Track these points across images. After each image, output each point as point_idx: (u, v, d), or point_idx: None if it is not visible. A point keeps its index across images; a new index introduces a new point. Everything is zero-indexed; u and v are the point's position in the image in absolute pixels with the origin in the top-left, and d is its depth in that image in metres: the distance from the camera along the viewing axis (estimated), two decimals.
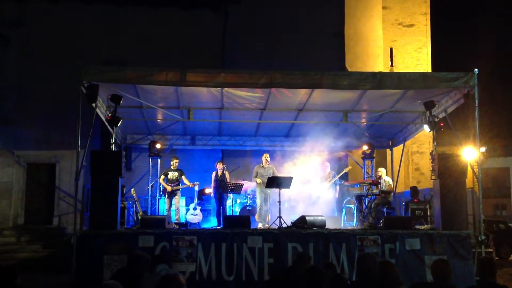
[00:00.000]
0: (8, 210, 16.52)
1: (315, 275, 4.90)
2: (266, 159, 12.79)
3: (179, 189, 13.17)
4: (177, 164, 13.34)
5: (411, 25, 23.03)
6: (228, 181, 12.88)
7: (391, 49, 22.70)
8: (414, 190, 13.06)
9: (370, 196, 12.91)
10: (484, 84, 10.92)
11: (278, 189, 11.41)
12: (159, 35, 17.21)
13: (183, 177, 13.25)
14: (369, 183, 13.48)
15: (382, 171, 13.34)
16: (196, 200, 13.77)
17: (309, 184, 13.56)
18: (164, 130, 14.46)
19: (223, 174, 12.96)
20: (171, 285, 3.90)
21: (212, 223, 13.64)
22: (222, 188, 12.71)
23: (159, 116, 13.31)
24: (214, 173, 13.12)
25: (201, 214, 13.53)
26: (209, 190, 14.61)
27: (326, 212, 12.54)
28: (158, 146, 14.54)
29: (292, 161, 13.97)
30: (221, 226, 11.04)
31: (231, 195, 13.42)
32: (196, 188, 13.72)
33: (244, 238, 9.37)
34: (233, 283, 9.18)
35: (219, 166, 13.02)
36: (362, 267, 4.85)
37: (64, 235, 15.34)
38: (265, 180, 12.14)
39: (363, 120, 13.44)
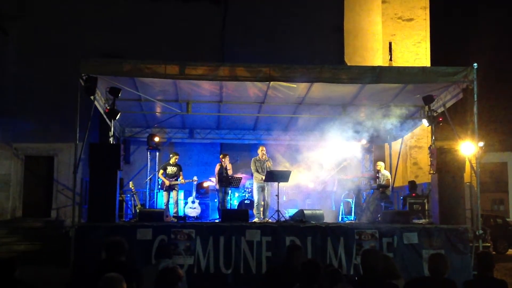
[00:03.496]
0: (6, 203, 16.52)
1: (312, 268, 4.92)
2: (263, 152, 12.66)
3: (177, 184, 13.16)
4: (176, 160, 13.31)
5: (411, 19, 22.99)
6: (230, 174, 12.83)
7: (390, 43, 22.67)
8: (412, 184, 13.07)
9: (368, 190, 12.92)
10: (483, 79, 10.92)
11: (277, 183, 11.41)
12: (158, 28, 17.16)
13: (180, 173, 13.23)
14: (367, 177, 13.51)
15: (381, 165, 13.34)
16: (194, 194, 13.77)
17: (307, 178, 13.56)
18: (162, 123, 14.45)
19: (227, 167, 12.92)
20: (170, 278, 3.91)
21: (215, 216, 13.63)
22: (226, 181, 12.67)
23: (158, 109, 13.28)
24: (218, 166, 13.01)
25: (199, 208, 13.53)
26: (207, 184, 14.59)
27: (324, 206, 12.57)
28: (156, 139, 14.46)
29: (290, 155, 13.98)
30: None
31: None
32: (195, 182, 13.71)
33: (242, 231, 9.39)
34: (231, 276, 9.21)
35: (225, 159, 12.93)
36: (365, 263, 4.86)
37: (62, 228, 15.32)
38: (262, 173, 12.12)
39: (362, 114, 13.42)
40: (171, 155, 13.43)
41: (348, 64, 18.55)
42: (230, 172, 12.83)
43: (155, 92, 11.59)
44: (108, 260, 5.40)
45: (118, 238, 5.81)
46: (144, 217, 10.00)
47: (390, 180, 13.32)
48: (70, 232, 9.27)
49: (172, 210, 12.93)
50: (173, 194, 13.07)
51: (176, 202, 13.14)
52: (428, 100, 11.11)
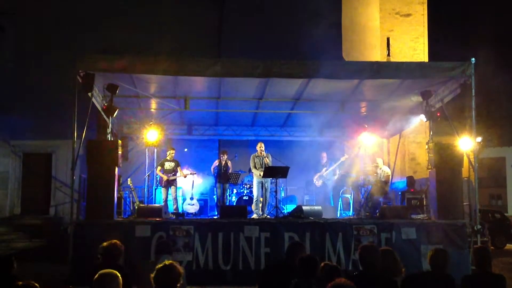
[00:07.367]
0: (5, 200, 16.51)
1: (310, 263, 4.92)
2: (261, 148, 12.61)
3: (175, 179, 13.14)
4: (173, 154, 13.29)
5: (408, 15, 22.90)
6: (231, 171, 12.82)
7: (388, 39, 22.57)
8: (410, 180, 13.08)
9: (366, 186, 12.93)
10: (480, 74, 10.89)
11: (275, 178, 11.40)
12: (155, 23, 17.11)
13: (178, 168, 13.22)
14: (366, 173, 13.52)
15: (379, 161, 13.35)
16: (192, 190, 13.75)
17: (306, 174, 13.56)
18: (160, 119, 14.41)
19: (226, 164, 12.91)
20: (169, 275, 3.89)
21: (213, 213, 13.61)
22: (224, 178, 12.64)
23: (156, 106, 13.25)
24: (216, 162, 12.99)
25: (197, 204, 13.52)
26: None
27: (323, 202, 12.57)
28: (154, 136, 14.44)
29: (289, 151, 13.95)
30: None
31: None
32: (193, 177, 13.69)
33: (241, 227, 9.40)
34: (230, 272, 9.22)
35: (223, 156, 12.91)
36: (364, 259, 4.85)
37: (60, 224, 15.32)
38: (261, 169, 12.11)
39: (360, 110, 13.42)
40: (167, 151, 13.42)
41: (346, 59, 18.55)
42: (231, 169, 12.86)
43: (153, 88, 11.56)
44: (105, 264, 5.38)
45: (114, 241, 5.80)
46: (143, 214, 10.01)
47: (390, 175, 13.32)
48: (69, 229, 9.29)
49: (171, 206, 12.91)
50: (171, 190, 13.05)
51: (175, 199, 13.12)
52: (426, 95, 11.11)
